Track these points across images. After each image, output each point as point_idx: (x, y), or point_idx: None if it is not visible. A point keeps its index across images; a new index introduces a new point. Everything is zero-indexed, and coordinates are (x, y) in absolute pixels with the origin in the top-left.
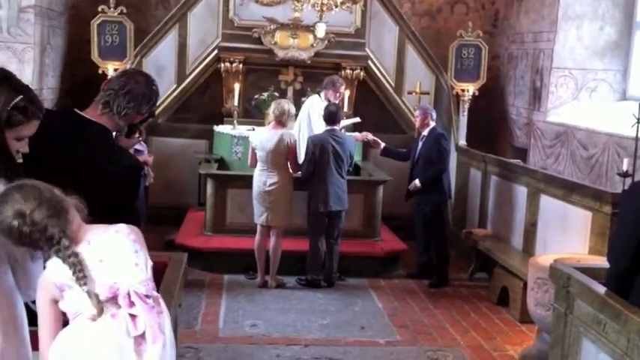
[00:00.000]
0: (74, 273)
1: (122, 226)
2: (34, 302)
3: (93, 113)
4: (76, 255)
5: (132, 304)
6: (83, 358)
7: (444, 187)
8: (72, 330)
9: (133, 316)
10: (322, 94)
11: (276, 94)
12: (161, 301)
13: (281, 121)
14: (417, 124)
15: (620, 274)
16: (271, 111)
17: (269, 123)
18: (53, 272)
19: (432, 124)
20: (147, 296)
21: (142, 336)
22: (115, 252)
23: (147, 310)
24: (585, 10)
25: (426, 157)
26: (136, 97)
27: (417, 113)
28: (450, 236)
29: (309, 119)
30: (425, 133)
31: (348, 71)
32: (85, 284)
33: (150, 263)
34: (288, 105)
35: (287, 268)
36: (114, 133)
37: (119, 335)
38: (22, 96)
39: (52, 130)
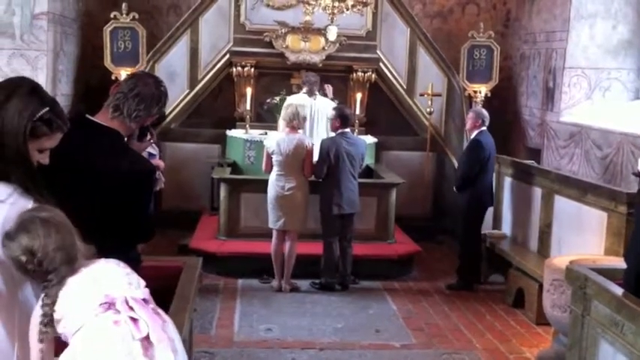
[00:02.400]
0: (43, 317)
1: (111, 259)
2: None
3: (104, 118)
4: (53, 304)
5: (131, 308)
6: None
7: (476, 192)
8: (78, 343)
9: (134, 320)
10: (319, 92)
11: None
12: (160, 311)
13: (294, 126)
14: (467, 126)
15: (639, 274)
16: (282, 117)
17: (286, 126)
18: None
19: (482, 128)
20: (145, 300)
21: (148, 340)
22: (107, 273)
23: (147, 313)
24: (598, 9)
25: (460, 160)
26: (146, 98)
27: (468, 115)
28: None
29: (324, 119)
30: (471, 137)
31: (360, 74)
32: (42, 338)
33: (143, 283)
34: (298, 109)
35: (301, 272)
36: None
37: (125, 340)
38: (48, 108)
39: (64, 137)
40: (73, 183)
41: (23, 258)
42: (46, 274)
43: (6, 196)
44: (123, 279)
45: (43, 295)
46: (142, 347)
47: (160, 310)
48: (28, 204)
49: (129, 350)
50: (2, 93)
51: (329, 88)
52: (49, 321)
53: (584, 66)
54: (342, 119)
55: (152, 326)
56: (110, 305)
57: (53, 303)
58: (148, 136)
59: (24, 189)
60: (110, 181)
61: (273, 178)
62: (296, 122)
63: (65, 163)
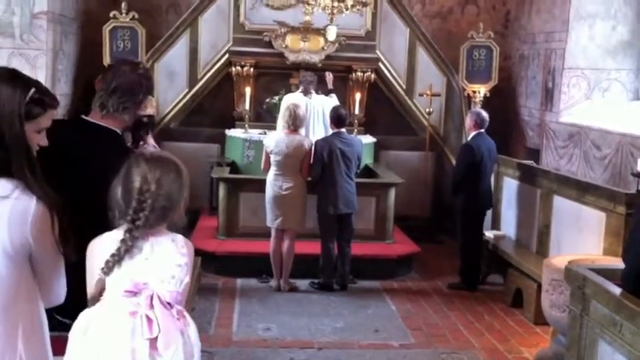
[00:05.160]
0: (113, 256)
1: (180, 237)
2: (54, 308)
3: (96, 117)
4: (132, 247)
5: (152, 306)
6: (97, 350)
7: (471, 196)
8: (95, 316)
9: (149, 319)
10: (314, 91)
11: None
12: (186, 314)
13: (294, 127)
14: (466, 127)
15: (637, 274)
16: (284, 117)
17: (286, 128)
18: (105, 244)
19: (479, 130)
20: (169, 304)
21: (156, 341)
22: (161, 258)
23: (165, 316)
24: (597, 10)
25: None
26: (127, 89)
27: (467, 116)
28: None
29: (324, 118)
30: (468, 138)
31: (359, 74)
32: (105, 273)
33: (186, 281)
34: (297, 110)
35: (300, 272)
36: (126, 134)
37: (133, 334)
38: (34, 89)
39: (65, 140)
40: (73, 184)
41: (137, 184)
42: (135, 213)
43: (9, 192)
44: (171, 269)
45: (123, 236)
46: (150, 347)
47: (186, 314)
48: (32, 200)
49: (134, 346)
50: None
51: (329, 77)
52: (118, 258)
53: (584, 66)
54: (336, 119)
55: (165, 330)
56: (135, 294)
57: (130, 249)
58: (142, 142)
59: (25, 183)
60: (110, 183)
61: (271, 177)
62: (293, 125)
63: (65, 165)
